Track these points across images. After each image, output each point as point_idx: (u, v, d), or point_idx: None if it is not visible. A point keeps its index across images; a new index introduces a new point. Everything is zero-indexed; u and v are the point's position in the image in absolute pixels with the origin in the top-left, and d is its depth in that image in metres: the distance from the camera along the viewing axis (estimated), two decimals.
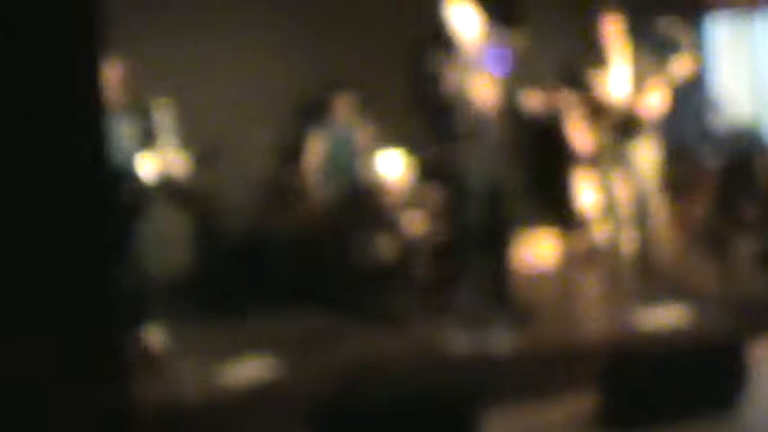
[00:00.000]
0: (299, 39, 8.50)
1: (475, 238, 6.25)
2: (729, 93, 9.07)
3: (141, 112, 6.12)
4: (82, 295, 2.55)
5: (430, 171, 6.91)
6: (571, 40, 8.02)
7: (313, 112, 8.37)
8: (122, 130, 6.00)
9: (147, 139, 6.23)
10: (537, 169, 8.66)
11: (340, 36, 8.44)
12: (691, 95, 8.20)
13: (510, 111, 6.34)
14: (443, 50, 6.22)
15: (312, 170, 7.89)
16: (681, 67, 7.19)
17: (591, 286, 7.56)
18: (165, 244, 6.30)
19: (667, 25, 7.10)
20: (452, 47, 6.21)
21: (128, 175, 5.97)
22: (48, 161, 2.49)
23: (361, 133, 7.96)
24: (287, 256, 7.65)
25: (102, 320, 2.61)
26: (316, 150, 7.93)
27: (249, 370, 5.56)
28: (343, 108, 7.98)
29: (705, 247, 7.85)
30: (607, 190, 7.83)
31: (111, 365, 2.62)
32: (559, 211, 8.66)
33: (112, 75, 5.91)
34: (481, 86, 6.19)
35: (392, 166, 7.44)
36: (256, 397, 5.30)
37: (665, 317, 6.29)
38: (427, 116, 6.42)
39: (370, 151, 7.71)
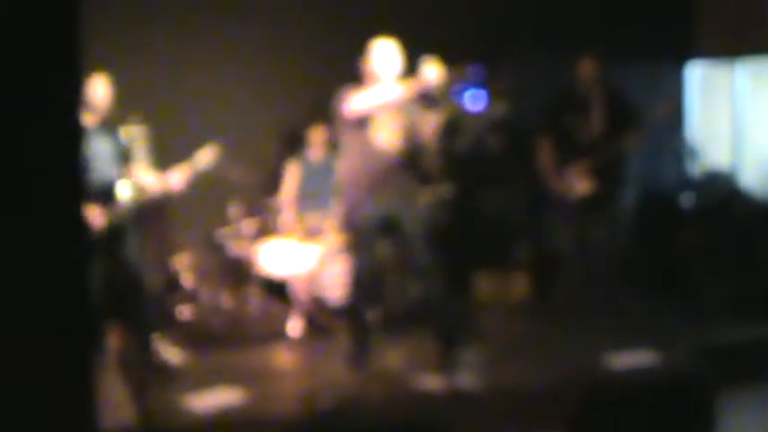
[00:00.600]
0: (279, 67, 8.57)
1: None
2: (708, 138, 9.14)
3: (116, 132, 6.13)
4: (55, 313, 2.54)
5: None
6: (552, 83, 8.07)
7: (291, 142, 8.44)
8: (100, 149, 6.01)
9: (123, 159, 6.24)
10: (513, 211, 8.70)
11: (318, 68, 8.51)
12: (669, 140, 8.27)
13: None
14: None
15: (289, 199, 7.95)
16: (660, 112, 7.25)
17: (559, 326, 7.55)
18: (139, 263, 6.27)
19: (647, 71, 7.17)
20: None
21: (104, 192, 5.96)
22: (23, 177, 2.48)
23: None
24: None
25: (71, 340, 2.59)
26: (293, 180, 8.00)
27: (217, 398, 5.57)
28: (319, 140, 8.06)
29: (678, 290, 7.89)
30: (581, 232, 7.87)
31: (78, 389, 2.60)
32: (534, 252, 8.68)
33: (94, 94, 5.93)
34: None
35: None
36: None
37: (634, 360, 6.31)
38: None
39: None
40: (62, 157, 2.57)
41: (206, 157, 6.38)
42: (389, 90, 5.93)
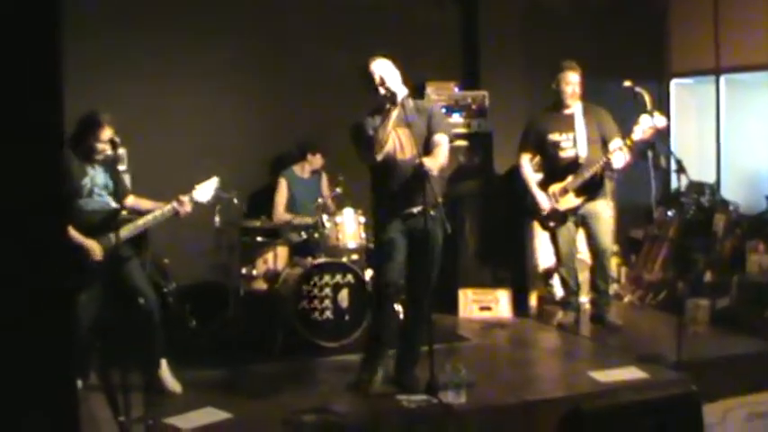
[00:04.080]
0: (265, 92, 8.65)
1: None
2: (690, 152, 9.19)
3: (111, 161, 6.14)
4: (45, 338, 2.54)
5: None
6: (536, 100, 8.13)
7: (282, 161, 8.55)
8: (98, 180, 6.05)
9: (120, 189, 6.29)
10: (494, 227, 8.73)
11: (299, 92, 8.61)
12: (652, 155, 8.30)
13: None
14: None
15: (280, 213, 8.25)
16: (643, 127, 7.28)
17: (547, 342, 7.57)
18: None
19: (631, 87, 7.20)
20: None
21: (106, 221, 5.99)
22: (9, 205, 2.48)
23: (324, 182, 8.41)
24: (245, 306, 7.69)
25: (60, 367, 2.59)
26: (282, 195, 8.29)
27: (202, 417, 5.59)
28: (313, 163, 8.39)
29: (662, 305, 7.91)
30: (566, 248, 7.90)
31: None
32: (517, 270, 8.71)
33: (96, 129, 5.95)
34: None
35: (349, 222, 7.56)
36: None
37: (620, 375, 6.33)
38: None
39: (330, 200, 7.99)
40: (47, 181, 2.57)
41: (209, 188, 6.39)
42: None
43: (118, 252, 5.95)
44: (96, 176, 6.05)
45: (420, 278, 6.08)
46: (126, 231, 6.02)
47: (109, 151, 5.98)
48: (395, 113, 5.92)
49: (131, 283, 6.10)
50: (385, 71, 6.01)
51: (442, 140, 6.08)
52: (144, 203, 6.37)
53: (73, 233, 5.77)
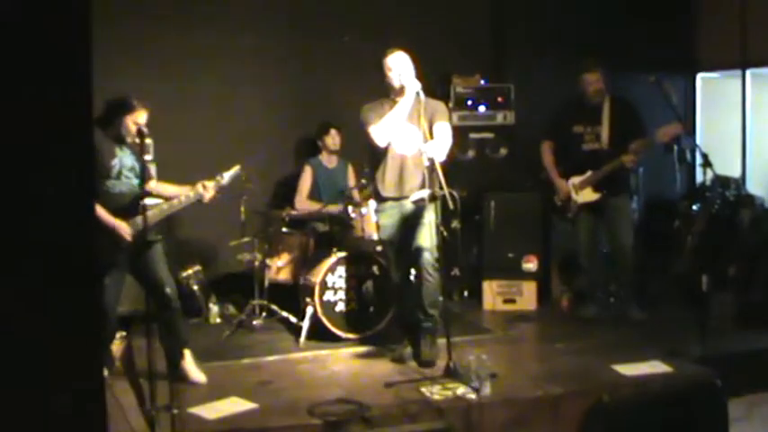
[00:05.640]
0: (290, 78, 8.67)
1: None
2: (715, 146, 9.15)
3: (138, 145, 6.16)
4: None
5: None
6: (562, 93, 8.11)
7: (307, 148, 8.60)
8: (126, 163, 6.07)
9: (146, 173, 6.33)
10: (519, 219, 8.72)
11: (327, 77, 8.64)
12: (677, 149, 8.28)
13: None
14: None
15: (302, 200, 8.33)
16: (674, 134, 7.29)
17: (572, 335, 7.55)
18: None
19: (657, 83, 7.17)
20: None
21: (133, 205, 6.02)
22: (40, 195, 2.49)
23: (350, 173, 8.55)
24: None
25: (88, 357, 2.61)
26: (306, 183, 8.39)
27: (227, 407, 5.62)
28: (332, 144, 8.48)
29: (686, 299, 7.87)
30: (587, 240, 7.90)
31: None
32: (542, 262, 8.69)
33: (130, 111, 5.98)
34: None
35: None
36: None
37: (645, 369, 6.31)
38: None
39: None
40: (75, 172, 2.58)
41: (233, 174, 6.41)
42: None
43: (144, 236, 5.97)
44: (125, 158, 6.06)
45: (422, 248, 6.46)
46: (152, 215, 6.05)
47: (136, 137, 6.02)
48: (406, 105, 6.35)
49: (154, 269, 6.13)
50: (400, 64, 6.41)
51: (444, 126, 6.45)
52: (166, 188, 6.39)
53: (102, 213, 5.79)
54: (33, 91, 2.46)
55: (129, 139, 6.05)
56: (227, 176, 6.34)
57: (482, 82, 9.05)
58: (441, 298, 6.64)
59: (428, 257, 6.44)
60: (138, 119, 5.98)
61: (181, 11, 8.16)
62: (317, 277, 7.30)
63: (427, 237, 6.42)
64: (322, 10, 8.71)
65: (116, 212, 5.88)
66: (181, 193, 6.26)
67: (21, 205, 2.45)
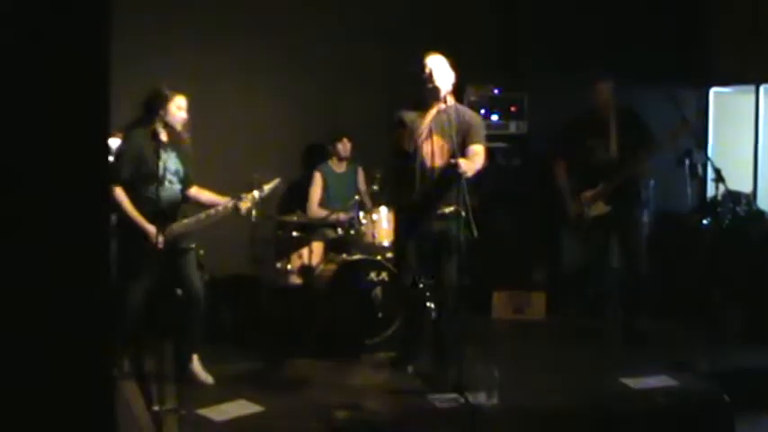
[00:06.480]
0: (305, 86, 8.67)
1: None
2: (727, 161, 9.14)
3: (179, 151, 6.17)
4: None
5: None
6: (574, 103, 8.10)
7: (316, 153, 8.61)
8: (167, 162, 6.06)
9: (186, 178, 6.31)
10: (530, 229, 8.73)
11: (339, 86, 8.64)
12: (689, 163, 8.26)
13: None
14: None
15: (314, 208, 8.27)
16: (680, 134, 7.28)
17: (580, 347, 7.54)
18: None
19: (669, 95, 7.17)
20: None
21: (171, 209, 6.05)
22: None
23: (361, 177, 8.49)
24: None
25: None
26: (317, 190, 8.33)
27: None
28: (343, 151, 8.40)
29: (696, 314, 7.86)
30: (597, 254, 7.89)
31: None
32: (552, 273, 8.69)
33: (166, 101, 6.00)
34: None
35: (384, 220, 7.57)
36: None
37: (652, 382, 6.30)
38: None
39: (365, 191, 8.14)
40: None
41: (273, 187, 6.39)
42: None
43: (178, 243, 5.97)
44: (168, 161, 6.06)
45: (443, 278, 6.21)
46: (188, 224, 6.05)
47: (184, 114, 6.03)
48: (435, 114, 6.12)
49: (184, 276, 6.13)
50: (436, 66, 6.17)
51: (479, 150, 6.19)
52: (204, 195, 6.39)
53: (137, 217, 5.80)
54: (48, 93, 2.49)
55: (178, 127, 6.05)
56: (266, 189, 6.31)
57: (495, 91, 9.05)
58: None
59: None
60: (180, 103, 5.98)
61: (193, 23, 8.17)
62: (326, 282, 7.31)
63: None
64: (335, 18, 8.71)
65: (154, 217, 5.87)
66: (218, 203, 6.25)
67: (28, 203, 2.47)
